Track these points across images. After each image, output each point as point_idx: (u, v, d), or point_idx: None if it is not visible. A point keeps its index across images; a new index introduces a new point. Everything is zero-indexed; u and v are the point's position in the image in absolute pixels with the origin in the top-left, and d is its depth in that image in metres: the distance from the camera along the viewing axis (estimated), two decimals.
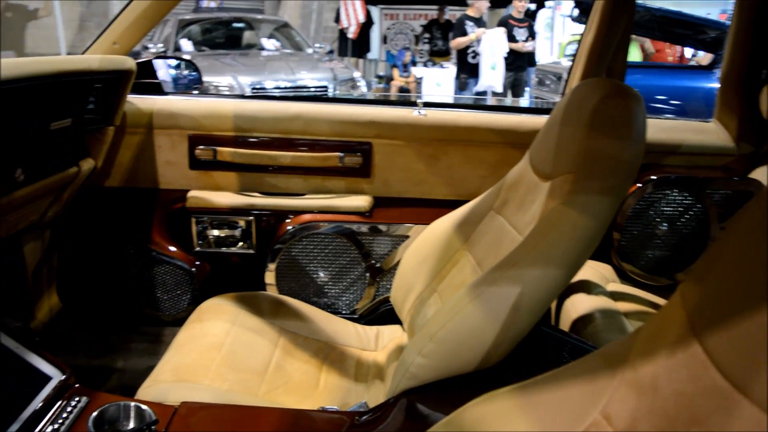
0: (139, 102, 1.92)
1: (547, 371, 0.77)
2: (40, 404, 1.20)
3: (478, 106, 2.13)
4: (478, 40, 7.11)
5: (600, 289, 1.74)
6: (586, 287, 1.73)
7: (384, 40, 11.94)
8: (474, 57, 7.20)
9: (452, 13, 9.70)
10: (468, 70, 7.33)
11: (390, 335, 1.72)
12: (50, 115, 1.53)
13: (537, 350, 1.30)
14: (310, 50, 7.89)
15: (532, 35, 7.52)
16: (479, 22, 7.19)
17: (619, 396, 0.67)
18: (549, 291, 1.10)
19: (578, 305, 1.65)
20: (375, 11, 11.45)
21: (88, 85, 1.62)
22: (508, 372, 1.11)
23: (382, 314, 1.94)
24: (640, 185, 1.87)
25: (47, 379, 1.26)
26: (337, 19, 10.57)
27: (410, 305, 1.57)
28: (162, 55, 2.01)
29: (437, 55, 9.73)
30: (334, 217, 1.90)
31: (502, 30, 7.21)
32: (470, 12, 7.25)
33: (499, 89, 7.31)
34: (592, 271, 1.87)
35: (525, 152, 1.45)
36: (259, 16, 9.11)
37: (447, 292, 1.47)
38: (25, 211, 1.66)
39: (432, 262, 1.55)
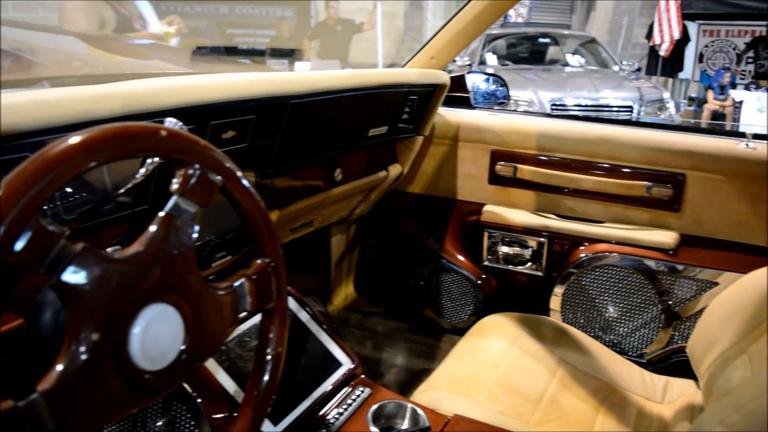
0: (447, 114, 2.00)
1: None
2: (330, 387, 1.30)
3: None
4: None
5: None
6: None
7: (700, 58, 10.94)
8: None
9: None
10: None
11: (681, 389, 1.54)
12: (370, 122, 1.65)
13: None
14: (616, 67, 7.56)
15: None
16: None
17: None
18: None
19: None
20: (692, 27, 10.55)
21: (405, 97, 1.73)
22: None
23: (675, 364, 1.76)
24: None
25: (339, 364, 1.36)
26: (649, 36, 9.97)
27: (711, 361, 1.39)
28: (474, 70, 2.07)
29: (764, 77, 8.61)
30: (633, 250, 1.77)
31: None
32: None
33: None
34: None
35: None
36: (566, 32, 8.98)
37: (760, 357, 1.27)
38: (337, 207, 1.83)
39: (745, 317, 1.35)
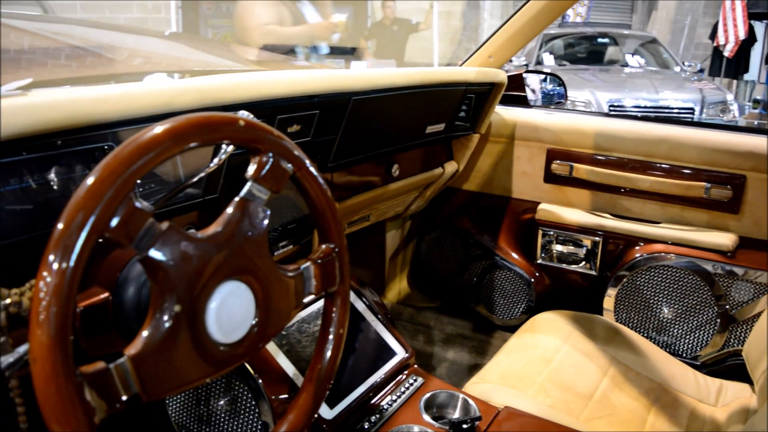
0: (504, 113, 2.01)
1: None
2: (384, 375, 1.34)
3: None
4: None
5: None
6: None
7: (767, 59, 10.56)
8: None
9: None
10: None
11: (735, 393, 1.53)
12: (428, 119, 1.69)
13: None
14: (677, 68, 7.38)
15: None
16: None
17: None
18: None
19: None
20: (759, 27, 10.20)
21: (463, 95, 1.75)
22: None
23: (729, 368, 1.74)
24: None
25: (393, 353, 1.40)
26: (713, 36, 9.68)
27: (767, 365, 1.37)
28: (532, 70, 2.09)
29: None
30: (689, 251, 1.75)
31: None
32: None
33: None
34: None
35: None
36: (626, 32, 8.81)
37: None
38: (394, 202, 1.87)
39: None
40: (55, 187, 0.79)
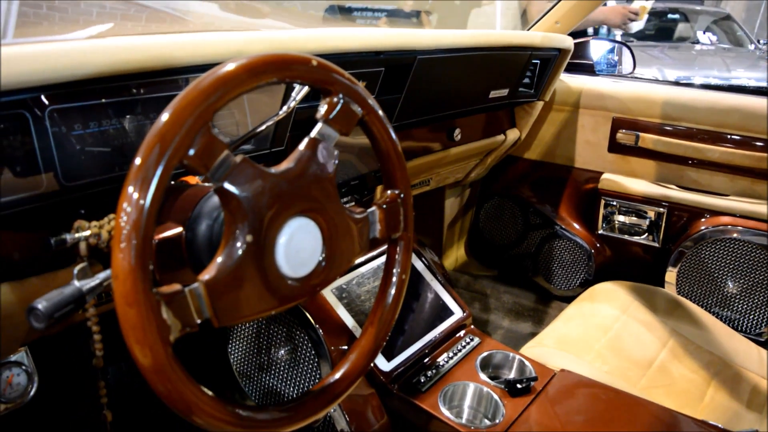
0: (569, 80, 1.98)
1: None
2: (441, 333, 1.35)
3: None
4: None
5: None
6: None
7: None
8: None
9: None
10: None
11: None
12: (492, 83, 1.68)
13: None
14: (751, 47, 7.06)
15: None
16: None
17: None
18: None
19: None
20: None
21: (528, 60, 1.73)
22: None
23: None
24: None
25: (450, 313, 1.42)
26: None
27: None
28: (599, 37, 2.04)
29: None
30: (757, 224, 1.70)
31: None
32: None
33: None
34: None
35: None
36: (698, 8, 8.44)
37: None
38: (454, 168, 1.87)
39: None
40: (131, 133, 0.82)
